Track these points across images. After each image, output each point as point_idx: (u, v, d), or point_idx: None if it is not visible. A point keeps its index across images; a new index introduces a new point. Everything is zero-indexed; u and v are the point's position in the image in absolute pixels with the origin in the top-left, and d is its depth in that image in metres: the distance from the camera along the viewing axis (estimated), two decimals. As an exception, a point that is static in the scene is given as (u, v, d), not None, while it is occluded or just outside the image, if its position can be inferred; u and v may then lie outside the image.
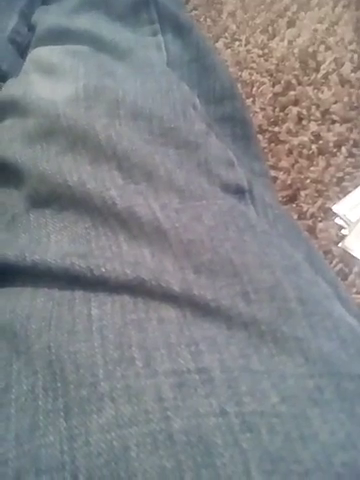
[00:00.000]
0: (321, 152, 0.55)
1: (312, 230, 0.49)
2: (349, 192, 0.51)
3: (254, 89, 0.62)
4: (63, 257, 0.29)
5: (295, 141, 0.56)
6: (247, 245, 0.29)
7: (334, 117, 0.58)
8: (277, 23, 0.72)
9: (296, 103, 0.60)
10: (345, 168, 0.53)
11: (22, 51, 0.55)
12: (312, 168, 0.53)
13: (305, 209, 0.50)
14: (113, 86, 0.41)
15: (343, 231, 0.49)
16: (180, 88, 0.44)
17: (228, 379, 0.23)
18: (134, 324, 0.26)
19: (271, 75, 0.64)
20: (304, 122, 0.58)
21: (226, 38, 0.71)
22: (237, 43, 0.70)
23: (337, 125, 0.57)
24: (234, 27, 0.72)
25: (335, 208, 0.50)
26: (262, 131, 0.58)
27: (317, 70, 0.64)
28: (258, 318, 0.26)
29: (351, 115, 0.58)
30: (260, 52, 0.67)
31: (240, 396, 0.23)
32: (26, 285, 0.30)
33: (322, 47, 0.67)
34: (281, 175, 0.53)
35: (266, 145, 0.56)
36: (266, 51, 0.68)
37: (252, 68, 0.65)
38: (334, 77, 0.62)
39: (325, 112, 0.58)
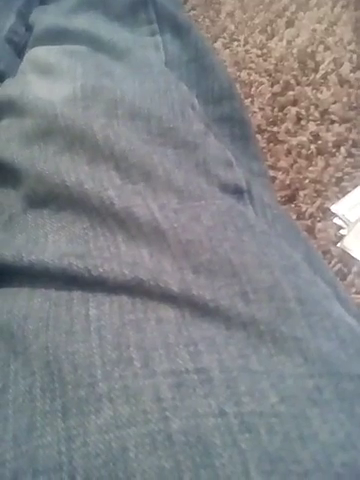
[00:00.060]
0: (320, 152, 0.55)
1: (311, 230, 0.49)
2: (348, 192, 0.51)
3: (253, 89, 0.62)
4: (61, 257, 0.29)
5: (294, 141, 0.56)
6: (246, 245, 0.29)
7: (333, 117, 0.58)
8: (276, 23, 0.72)
9: (295, 103, 0.60)
10: (344, 168, 0.53)
11: (19, 51, 0.55)
12: (311, 168, 0.53)
13: (304, 209, 0.50)
14: (111, 86, 0.41)
15: (342, 231, 0.49)
16: (178, 88, 0.44)
17: (227, 379, 0.23)
18: (132, 324, 0.26)
19: (270, 75, 0.64)
20: (303, 122, 0.58)
21: (225, 38, 0.71)
22: (236, 43, 0.70)
23: (336, 125, 0.57)
24: (233, 27, 0.72)
25: (334, 208, 0.50)
26: (261, 131, 0.57)
27: (316, 70, 0.64)
28: (257, 318, 0.25)
29: (350, 115, 0.58)
30: (259, 52, 0.67)
31: (239, 396, 0.23)
32: (23, 285, 0.30)
33: (321, 47, 0.67)
34: (280, 175, 0.53)
35: (265, 145, 0.56)
36: (265, 51, 0.68)
37: (251, 68, 0.65)
38: (333, 77, 0.62)
39: (324, 112, 0.58)
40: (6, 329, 0.28)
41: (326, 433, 0.21)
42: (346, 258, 0.47)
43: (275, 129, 0.57)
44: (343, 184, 0.52)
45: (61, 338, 0.26)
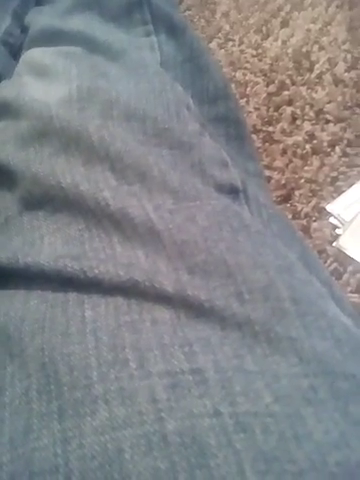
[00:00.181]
0: (315, 152, 0.55)
1: (306, 230, 0.49)
2: (343, 191, 0.52)
3: (248, 89, 0.62)
4: (56, 259, 0.29)
5: (289, 141, 0.56)
6: (241, 245, 0.29)
7: (328, 117, 0.58)
8: (271, 23, 0.72)
9: (290, 103, 0.60)
10: (339, 167, 0.53)
11: (15, 53, 0.54)
12: (306, 168, 0.53)
13: (299, 209, 0.50)
14: (106, 87, 0.41)
15: (337, 230, 0.49)
16: (174, 89, 0.44)
17: (222, 379, 0.23)
18: (128, 326, 0.26)
19: (265, 75, 0.64)
20: (298, 122, 0.58)
21: (220, 38, 0.71)
22: (231, 43, 0.70)
23: (331, 125, 0.57)
24: (228, 27, 0.72)
25: (329, 207, 0.50)
26: (256, 131, 0.58)
27: (311, 70, 0.64)
28: (252, 318, 0.26)
29: (345, 115, 0.58)
30: (254, 52, 0.68)
31: (234, 396, 0.23)
32: (19, 287, 0.30)
33: (316, 47, 0.67)
34: (275, 175, 0.53)
35: (260, 145, 0.56)
36: (260, 51, 0.68)
37: (246, 68, 0.65)
38: (328, 77, 0.62)
39: (319, 112, 0.59)
40: (2, 331, 0.28)
41: (321, 432, 0.21)
42: (341, 257, 0.47)
43: (270, 129, 0.58)
44: (338, 183, 0.52)
45: (57, 340, 0.26)
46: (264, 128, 0.58)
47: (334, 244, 0.48)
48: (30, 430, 0.24)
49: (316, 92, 0.61)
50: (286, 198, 0.52)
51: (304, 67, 0.64)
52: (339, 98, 0.59)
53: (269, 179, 0.53)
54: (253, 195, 0.37)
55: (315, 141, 0.56)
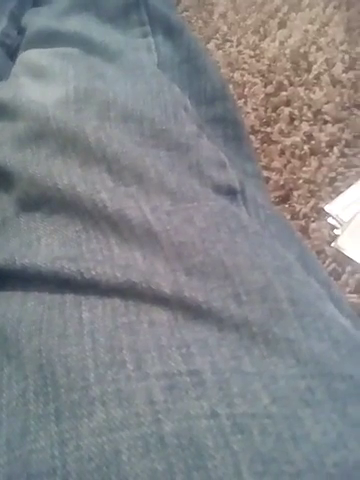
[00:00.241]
0: (313, 152, 0.55)
1: (305, 230, 0.49)
2: (341, 192, 0.52)
3: (246, 90, 0.62)
4: (53, 260, 0.29)
5: (287, 141, 0.56)
6: (239, 246, 0.29)
7: (326, 117, 0.58)
8: (268, 24, 0.72)
9: (288, 103, 0.60)
10: (337, 168, 0.53)
11: (12, 54, 0.54)
12: (304, 168, 0.53)
13: (298, 209, 0.50)
14: (103, 88, 0.41)
15: (336, 231, 0.49)
16: (171, 90, 0.44)
17: (219, 381, 0.23)
18: (125, 327, 0.26)
19: (263, 76, 0.64)
20: (296, 122, 0.58)
21: (217, 39, 0.71)
22: (228, 44, 0.70)
23: (329, 125, 0.57)
24: (225, 28, 0.72)
25: (328, 208, 0.50)
26: (254, 132, 0.58)
27: (309, 71, 0.64)
28: (249, 319, 0.25)
29: (343, 115, 0.58)
30: (251, 53, 0.68)
31: (231, 398, 0.23)
32: (16, 289, 0.30)
33: (313, 48, 0.67)
34: (273, 175, 0.53)
35: (258, 146, 0.56)
36: (257, 52, 0.68)
37: (244, 69, 0.65)
38: (325, 77, 0.62)
39: (317, 112, 0.59)
40: (0, 333, 0.28)
41: (318, 433, 0.21)
42: (340, 258, 0.47)
43: (268, 130, 0.58)
44: (336, 184, 0.52)
45: (54, 341, 0.26)
46: (262, 129, 0.58)
47: (333, 244, 0.48)
48: (27, 432, 0.24)
49: (314, 93, 0.61)
50: (284, 199, 0.52)
51: (302, 68, 0.64)
52: (337, 99, 0.60)
53: (267, 180, 0.53)
54: (251, 196, 0.37)
55: (313, 142, 0.56)
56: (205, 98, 0.48)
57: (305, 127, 0.57)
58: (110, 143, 0.34)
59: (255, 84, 0.63)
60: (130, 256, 0.29)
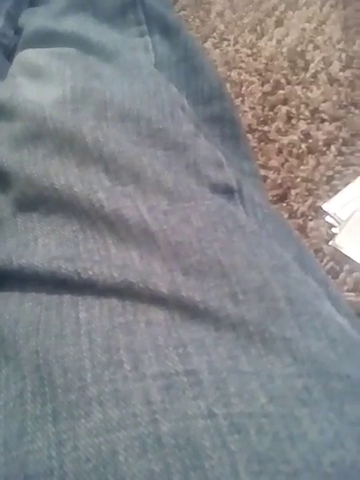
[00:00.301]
0: (311, 151, 0.55)
1: (303, 229, 0.49)
2: (339, 190, 0.51)
3: (243, 89, 0.62)
4: (50, 261, 0.29)
5: (285, 140, 0.56)
6: (236, 246, 0.29)
7: (323, 116, 0.58)
8: (265, 22, 0.72)
9: (285, 102, 0.60)
10: (335, 166, 0.53)
11: (9, 54, 0.54)
12: (302, 167, 0.53)
13: (295, 208, 0.50)
14: (100, 88, 0.41)
15: (334, 229, 0.49)
16: (168, 89, 0.44)
17: (216, 381, 0.23)
18: (122, 327, 0.26)
19: (260, 74, 0.64)
20: (293, 121, 0.58)
21: (214, 38, 0.71)
22: (226, 43, 0.70)
23: (326, 124, 0.57)
24: (222, 27, 0.72)
25: (325, 206, 0.50)
26: (252, 130, 0.58)
27: (306, 69, 0.64)
28: (246, 319, 0.26)
29: (340, 113, 0.58)
30: (249, 52, 0.68)
31: (228, 397, 0.23)
32: (14, 289, 0.30)
33: (310, 46, 0.67)
34: (271, 174, 0.53)
35: (256, 144, 0.56)
36: (255, 51, 0.68)
37: (241, 68, 0.65)
38: (323, 76, 0.62)
39: (314, 111, 0.59)
40: None
41: (315, 433, 0.21)
42: (338, 256, 0.47)
43: (266, 128, 0.57)
44: (334, 182, 0.52)
45: (51, 342, 0.26)
46: (259, 127, 0.58)
47: (330, 243, 0.48)
48: (24, 433, 0.24)
49: (311, 91, 0.61)
50: (282, 197, 0.52)
51: (299, 66, 0.64)
52: (334, 97, 0.59)
53: (265, 178, 0.52)
54: (248, 195, 0.37)
55: (311, 140, 0.56)
56: (202, 97, 0.48)
57: (302, 126, 0.57)
58: (107, 143, 0.34)
59: (252, 83, 0.63)
60: (127, 256, 0.29)
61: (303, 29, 0.70)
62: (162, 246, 0.29)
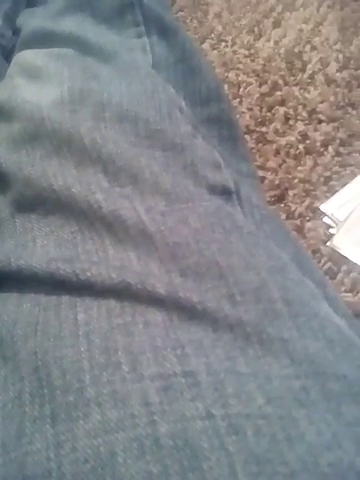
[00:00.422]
0: (308, 152, 0.55)
1: (300, 230, 0.49)
2: (337, 191, 0.52)
3: (241, 90, 0.62)
4: (48, 262, 0.29)
5: (282, 141, 0.56)
6: (233, 247, 0.29)
7: (321, 117, 0.58)
8: (263, 24, 0.72)
9: (283, 103, 0.60)
10: (332, 167, 0.53)
11: (7, 54, 0.54)
12: (300, 168, 0.53)
13: (293, 209, 0.50)
14: (98, 89, 0.41)
15: (331, 230, 0.49)
16: (166, 90, 0.44)
17: (214, 382, 0.23)
18: (120, 328, 0.26)
19: (258, 75, 0.64)
20: (291, 122, 0.58)
21: (212, 39, 0.71)
22: (223, 44, 0.70)
23: (324, 124, 0.57)
24: (220, 28, 0.72)
25: (323, 207, 0.51)
26: (249, 131, 0.58)
27: (303, 70, 0.64)
28: (244, 320, 0.26)
29: (337, 114, 0.58)
30: (246, 53, 0.68)
31: (226, 398, 0.23)
32: (12, 290, 0.30)
33: (308, 47, 0.67)
34: (269, 175, 0.53)
35: (253, 145, 0.56)
36: (252, 52, 0.68)
37: (238, 69, 0.65)
38: (320, 77, 0.63)
39: (312, 112, 0.59)
40: None
41: (313, 434, 0.21)
42: (336, 257, 0.47)
43: (263, 129, 0.58)
44: (332, 183, 0.52)
45: (49, 343, 0.26)
46: (257, 128, 0.58)
47: (328, 244, 0.48)
48: (23, 434, 0.24)
49: (309, 92, 0.61)
50: (280, 198, 0.52)
51: (296, 67, 0.64)
52: (331, 98, 0.60)
53: (263, 179, 0.53)
54: (246, 196, 0.37)
55: (308, 141, 0.56)
56: (200, 98, 0.48)
57: (300, 126, 0.57)
58: (105, 144, 0.35)
59: (250, 84, 0.63)
60: (125, 257, 0.29)
61: (300, 30, 0.70)
62: (160, 247, 0.29)
